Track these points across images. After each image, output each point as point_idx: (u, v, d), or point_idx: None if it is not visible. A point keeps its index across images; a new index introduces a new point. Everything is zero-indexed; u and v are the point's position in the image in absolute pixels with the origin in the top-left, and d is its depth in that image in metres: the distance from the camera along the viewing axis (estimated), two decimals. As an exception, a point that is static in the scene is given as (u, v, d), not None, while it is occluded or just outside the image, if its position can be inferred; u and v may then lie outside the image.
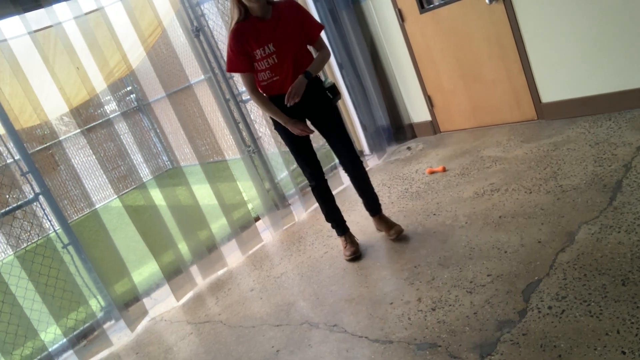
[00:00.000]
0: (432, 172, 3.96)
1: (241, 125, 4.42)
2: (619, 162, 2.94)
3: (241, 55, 2.79)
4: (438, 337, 2.14)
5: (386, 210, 3.61)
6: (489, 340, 2.00)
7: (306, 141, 3.01)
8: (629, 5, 3.35)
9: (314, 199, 3.44)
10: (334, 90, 2.93)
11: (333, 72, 4.92)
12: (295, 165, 4.79)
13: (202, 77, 4.66)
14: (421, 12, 4.47)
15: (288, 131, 2.91)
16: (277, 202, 4.50)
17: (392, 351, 2.17)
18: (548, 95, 4.01)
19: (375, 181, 4.27)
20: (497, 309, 2.15)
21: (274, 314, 2.88)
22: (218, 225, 4.46)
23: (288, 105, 2.75)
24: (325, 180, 3.14)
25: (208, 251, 3.90)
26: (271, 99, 2.90)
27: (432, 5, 4.42)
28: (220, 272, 3.83)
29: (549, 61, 3.88)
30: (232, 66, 2.84)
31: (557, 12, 3.68)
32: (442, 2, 4.34)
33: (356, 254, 3.11)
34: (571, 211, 2.65)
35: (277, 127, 3.00)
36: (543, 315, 2.01)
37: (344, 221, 3.26)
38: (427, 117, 4.95)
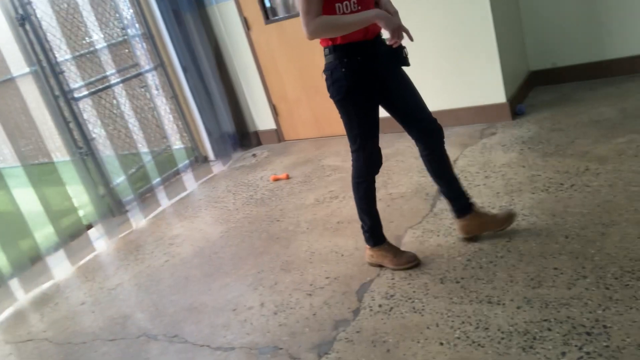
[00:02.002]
0: (276, 180, 4.05)
1: (72, 125, 4.07)
2: (439, 173, 3.31)
3: None
4: (279, 339, 2.19)
5: (231, 217, 3.60)
6: (326, 340, 2.10)
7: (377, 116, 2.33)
8: (440, 30, 3.78)
9: (155, 204, 3.23)
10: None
11: (177, 75, 4.79)
12: (134, 169, 4.55)
13: (27, 70, 4.21)
14: (266, 23, 4.57)
15: (367, 98, 2.22)
16: (113, 208, 4.23)
17: (234, 358, 2.17)
18: (380, 111, 4.35)
19: (220, 188, 4.24)
20: (334, 309, 2.28)
21: (107, 328, 2.70)
22: (43, 233, 4.05)
23: (393, 45, 2.04)
24: None
25: (31, 262, 3.52)
26: (351, 46, 2.13)
27: (276, 17, 4.54)
28: (46, 285, 3.48)
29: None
30: None
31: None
32: (286, 15, 4.48)
33: (417, 257, 2.45)
34: (399, 217, 2.91)
35: (353, 91, 2.18)
36: (374, 313, 2.18)
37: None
38: (272, 125, 5.05)
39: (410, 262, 2.42)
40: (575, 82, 4.20)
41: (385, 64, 2.21)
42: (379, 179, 3.47)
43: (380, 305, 2.21)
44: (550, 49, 4.22)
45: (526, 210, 2.59)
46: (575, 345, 1.71)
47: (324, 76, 2.23)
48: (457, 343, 1.87)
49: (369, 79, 2.18)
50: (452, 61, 3.87)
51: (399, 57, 2.21)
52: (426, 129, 2.37)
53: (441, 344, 1.89)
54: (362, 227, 2.49)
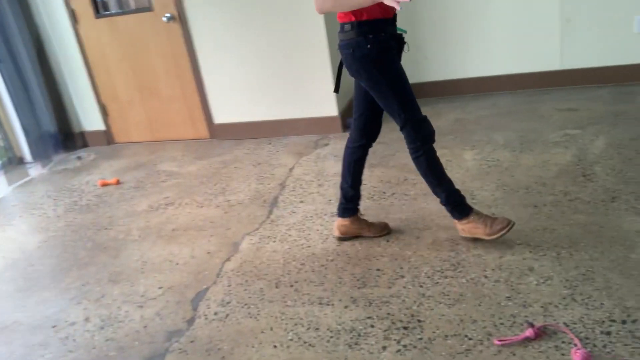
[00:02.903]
0: (105, 185, 3.79)
1: None
2: (276, 180, 3.40)
3: None
4: (106, 355, 2.06)
5: (51, 225, 3.28)
6: (158, 352, 2.03)
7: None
8: (281, 46, 3.93)
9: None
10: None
11: (-13, 64, 4.23)
12: None
13: None
14: (97, 17, 4.27)
15: (396, 66, 2.17)
16: None
17: (52, 379, 1.98)
18: (220, 116, 4.34)
19: (38, 192, 3.84)
20: (167, 320, 2.21)
21: None
22: None
23: (400, 7, 1.93)
24: None
25: None
26: (376, 22, 2.09)
27: (108, 12, 4.28)
28: None
29: (221, 86, 4.21)
30: None
31: (229, 42, 4.03)
32: (119, 10, 4.24)
33: (510, 221, 2.27)
34: (237, 224, 2.93)
35: (380, 64, 2.14)
36: (209, 321, 2.16)
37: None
38: (100, 126, 4.72)
39: (505, 227, 2.24)
40: (397, 100, 4.62)
41: (396, 48, 2.20)
42: (217, 186, 3.46)
43: (215, 313, 2.20)
44: (377, 69, 4.60)
45: (354, 216, 2.78)
46: (395, 339, 1.88)
47: (342, 54, 2.19)
48: (290, 345, 1.94)
49: (392, 55, 2.16)
50: (292, 75, 4.02)
51: (400, 47, 2.23)
52: (373, 129, 2.44)
53: (275, 346, 1.95)
54: (441, 202, 2.35)
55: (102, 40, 4.35)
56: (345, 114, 4.16)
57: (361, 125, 2.41)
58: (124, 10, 4.21)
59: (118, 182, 3.79)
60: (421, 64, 4.49)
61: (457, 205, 2.33)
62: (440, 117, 4.05)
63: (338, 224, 2.57)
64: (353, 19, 2.09)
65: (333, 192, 3.09)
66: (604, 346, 1.70)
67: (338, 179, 3.24)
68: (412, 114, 2.20)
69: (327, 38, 3.82)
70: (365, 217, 2.63)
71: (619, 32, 3.98)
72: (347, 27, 2.12)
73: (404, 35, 2.22)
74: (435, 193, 2.35)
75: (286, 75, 4.04)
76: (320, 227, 2.74)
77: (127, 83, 4.46)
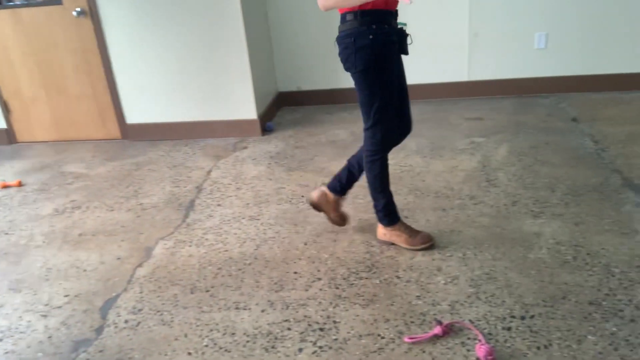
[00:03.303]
0: (5, 187, 3.53)
1: None
2: (193, 184, 3.33)
3: None
4: (4, 370, 1.92)
5: (-60, 231, 3.01)
6: (63, 364, 1.92)
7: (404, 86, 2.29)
8: (199, 46, 3.86)
9: None
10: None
11: None
12: None
13: None
14: (-2, 7, 3.99)
15: (391, 69, 2.15)
16: None
17: (-60, 398, 1.82)
18: (133, 116, 4.19)
19: None
20: (73, 330, 2.09)
21: None
22: None
23: (410, 1, 1.93)
24: None
25: None
26: (379, 13, 2.06)
27: (11, 3, 4.00)
28: None
29: (135, 85, 4.06)
30: None
31: (144, 40, 3.91)
32: (24, 2, 3.98)
33: (432, 238, 2.40)
34: (150, 228, 2.83)
35: (378, 61, 2.12)
36: (120, 329, 2.07)
37: None
38: (1, 124, 4.40)
39: (425, 242, 2.36)
40: (316, 105, 4.69)
41: (399, 42, 2.17)
42: (129, 188, 3.33)
43: (126, 321, 2.12)
44: (297, 74, 4.65)
45: (272, 220, 2.79)
46: (311, 341, 1.90)
47: (341, 44, 2.12)
48: (205, 351, 1.91)
49: (393, 49, 2.12)
50: (210, 76, 3.95)
51: (403, 42, 2.19)
52: (404, 123, 2.36)
53: (189, 353, 1.91)
54: (376, 206, 2.40)
55: (4, 33, 4.05)
56: (264, 117, 4.16)
57: None
58: (29, 2, 3.96)
59: (20, 184, 3.55)
60: (339, 71, 4.57)
61: (390, 213, 2.40)
62: (357, 123, 4.15)
63: (323, 191, 2.55)
64: (356, 8, 2.04)
65: (251, 196, 3.08)
66: (505, 341, 1.82)
67: (257, 182, 3.24)
68: (387, 118, 2.21)
69: (247, 39, 3.80)
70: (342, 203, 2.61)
71: (521, 48, 4.29)
72: (350, 16, 2.07)
73: (404, 28, 2.20)
74: (375, 198, 2.40)
75: (204, 76, 3.97)
76: (238, 230, 2.72)
77: (32, 79, 4.19)
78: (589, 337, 1.80)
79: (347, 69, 2.19)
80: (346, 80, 4.59)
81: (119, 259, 2.57)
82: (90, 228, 2.89)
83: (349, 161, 2.51)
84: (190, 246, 2.62)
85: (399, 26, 2.17)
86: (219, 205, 3.02)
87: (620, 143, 3.29)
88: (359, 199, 2.91)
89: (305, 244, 2.54)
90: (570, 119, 3.79)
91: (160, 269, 2.45)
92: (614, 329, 1.82)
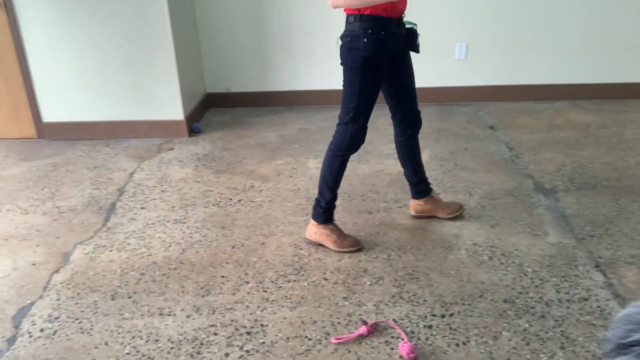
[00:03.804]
0: None
1: None
2: (115, 186, 3.20)
3: None
4: None
5: None
6: (-31, 379, 1.79)
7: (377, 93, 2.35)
8: (123, 44, 3.74)
9: None
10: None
11: None
12: None
13: None
14: None
15: (377, 74, 2.27)
16: None
17: None
18: (50, 115, 3.97)
19: None
20: (-19, 342, 1.96)
21: None
22: None
23: None
24: None
25: None
26: (378, 19, 2.17)
27: None
28: None
29: (53, 81, 3.86)
30: None
31: (63, 36, 3.72)
32: None
33: (359, 243, 2.48)
34: (67, 232, 2.70)
35: (367, 63, 2.22)
36: (34, 339, 1.96)
37: None
38: None
39: (353, 247, 2.43)
40: (246, 107, 4.66)
41: (401, 46, 2.31)
42: (45, 190, 3.16)
43: (42, 330, 2.00)
44: (225, 75, 4.59)
45: (199, 223, 2.74)
46: (237, 346, 1.89)
47: (340, 41, 2.27)
48: (127, 359, 1.84)
49: (384, 55, 2.23)
50: (135, 74, 3.82)
51: (413, 42, 2.33)
52: (411, 118, 2.50)
53: (110, 362, 1.84)
54: (318, 201, 2.45)
55: None
56: (191, 118, 4.08)
57: (400, 120, 2.51)
58: None
59: None
60: (269, 74, 4.58)
61: (328, 211, 2.47)
62: (287, 126, 4.17)
63: (413, 204, 2.69)
64: (357, 11, 2.18)
65: (177, 198, 3.01)
66: (427, 339, 1.89)
67: (183, 185, 3.17)
68: (361, 119, 2.32)
69: (173, 37, 3.71)
70: (440, 198, 2.76)
71: (442, 58, 4.47)
72: (351, 18, 2.21)
73: (415, 28, 2.34)
74: (322, 192, 2.45)
75: (128, 74, 3.83)
76: (163, 234, 2.65)
77: None
78: (504, 333, 1.91)
79: (340, 64, 2.33)
80: (276, 83, 4.61)
81: (33, 264, 2.43)
82: (2, 232, 2.71)
83: (403, 167, 2.65)
84: (111, 251, 2.52)
85: (408, 26, 2.33)
86: (142, 208, 2.93)
87: (532, 150, 3.52)
88: (288, 202, 2.92)
89: (233, 247, 2.51)
90: (488, 127, 4.01)
91: (79, 275, 2.34)
92: (527, 325, 1.94)
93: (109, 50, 3.76)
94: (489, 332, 1.91)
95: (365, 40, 2.18)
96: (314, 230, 2.48)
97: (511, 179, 3.11)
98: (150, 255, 2.47)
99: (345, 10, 2.23)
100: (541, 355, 1.80)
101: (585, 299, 2.07)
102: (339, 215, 2.75)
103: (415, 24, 2.35)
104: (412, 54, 2.41)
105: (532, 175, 3.16)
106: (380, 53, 2.21)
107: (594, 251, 2.38)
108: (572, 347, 1.83)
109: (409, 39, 2.33)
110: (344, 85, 2.32)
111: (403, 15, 2.27)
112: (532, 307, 2.03)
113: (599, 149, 3.50)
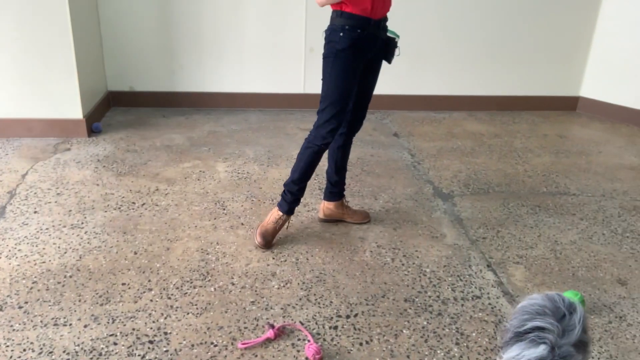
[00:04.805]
0: None
1: None
2: (5, 188, 2.97)
3: None
4: None
5: None
6: None
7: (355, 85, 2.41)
8: (16, 36, 3.48)
9: None
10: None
11: None
12: None
13: None
14: None
15: (352, 67, 2.33)
16: None
17: None
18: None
19: None
20: None
21: None
22: None
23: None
24: None
25: None
26: (356, 18, 2.27)
27: None
28: None
29: None
30: None
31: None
32: None
33: (267, 246, 2.53)
34: (-52, 238, 2.46)
35: (340, 54, 2.30)
36: None
37: None
38: None
39: (259, 244, 2.51)
40: (151, 107, 4.50)
41: (377, 49, 2.37)
42: None
43: None
44: (129, 73, 4.41)
45: (98, 228, 2.61)
46: (139, 355, 1.82)
47: (324, 34, 2.36)
48: (16, 374, 1.72)
49: (359, 52, 2.30)
50: (29, 70, 3.57)
51: (390, 51, 2.41)
52: (358, 123, 2.60)
53: (-4, 379, 1.70)
54: (287, 186, 2.51)
55: None
56: (91, 117, 3.87)
57: (349, 122, 2.57)
58: None
59: None
60: (177, 73, 4.46)
61: (293, 202, 2.54)
62: (195, 128, 4.08)
63: (323, 206, 2.76)
64: (339, 8, 2.29)
65: (74, 202, 2.84)
66: (332, 339, 1.93)
67: (81, 187, 3.00)
68: (332, 116, 2.36)
69: (72, 31, 3.50)
70: (349, 205, 2.81)
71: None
72: (334, 14, 2.32)
73: (396, 39, 2.41)
74: (292, 180, 2.51)
75: (21, 68, 3.56)
76: (58, 240, 2.49)
77: None
78: (404, 331, 2.00)
79: (322, 54, 2.40)
80: (184, 84, 4.51)
81: None
82: None
83: (329, 162, 2.71)
84: (-1, 258, 2.33)
85: (389, 35, 2.39)
86: (35, 212, 2.74)
87: (432, 157, 3.72)
88: (195, 206, 2.86)
89: (136, 253, 2.42)
90: (392, 134, 4.17)
91: (-40, 285, 2.14)
92: (425, 322, 2.05)
93: (5, 44, 3.48)
94: (391, 330, 2.00)
95: (341, 34, 2.29)
96: (276, 214, 2.56)
97: (413, 184, 3.26)
98: (44, 262, 2.32)
99: (331, 5, 2.34)
100: (438, 351, 1.90)
101: (478, 297, 2.22)
102: (247, 220, 2.74)
103: (398, 36, 2.44)
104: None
105: (431, 180, 3.33)
106: (354, 49, 2.30)
107: (486, 252, 2.56)
108: (466, 342, 1.96)
109: (388, 47, 2.41)
110: (323, 75, 2.42)
111: (384, 19, 2.36)
112: (430, 306, 2.15)
113: (492, 157, 3.77)
